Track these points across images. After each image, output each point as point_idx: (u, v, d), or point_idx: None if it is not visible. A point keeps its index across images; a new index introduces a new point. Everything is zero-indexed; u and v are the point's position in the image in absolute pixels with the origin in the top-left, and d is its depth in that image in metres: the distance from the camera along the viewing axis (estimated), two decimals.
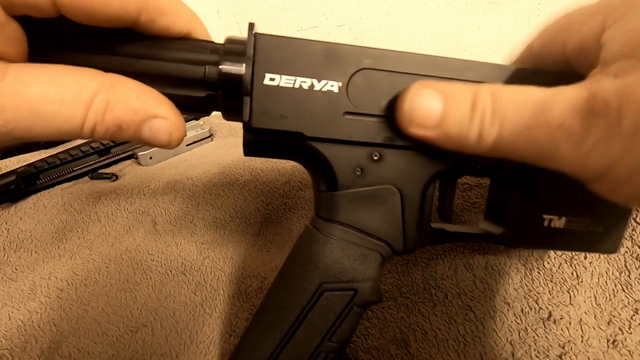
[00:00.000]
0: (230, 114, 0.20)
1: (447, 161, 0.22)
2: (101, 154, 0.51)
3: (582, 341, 0.26)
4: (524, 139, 0.16)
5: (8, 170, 0.46)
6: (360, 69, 0.20)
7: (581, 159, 0.16)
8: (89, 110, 0.15)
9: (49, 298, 0.33)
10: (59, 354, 0.29)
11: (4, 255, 0.38)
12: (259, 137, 0.21)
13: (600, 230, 0.23)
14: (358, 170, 0.21)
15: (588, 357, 0.26)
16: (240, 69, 0.19)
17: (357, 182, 0.22)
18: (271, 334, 0.22)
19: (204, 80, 0.18)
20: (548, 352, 0.26)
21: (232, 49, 0.19)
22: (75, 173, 0.48)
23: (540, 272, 0.29)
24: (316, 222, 0.23)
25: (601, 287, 0.28)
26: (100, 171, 0.49)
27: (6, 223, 0.41)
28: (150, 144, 0.18)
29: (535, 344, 0.27)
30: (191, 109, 0.20)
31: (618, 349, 0.26)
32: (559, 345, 0.27)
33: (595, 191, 0.17)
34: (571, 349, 0.26)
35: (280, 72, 0.19)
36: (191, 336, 0.30)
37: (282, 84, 0.19)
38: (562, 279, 0.29)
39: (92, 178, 0.48)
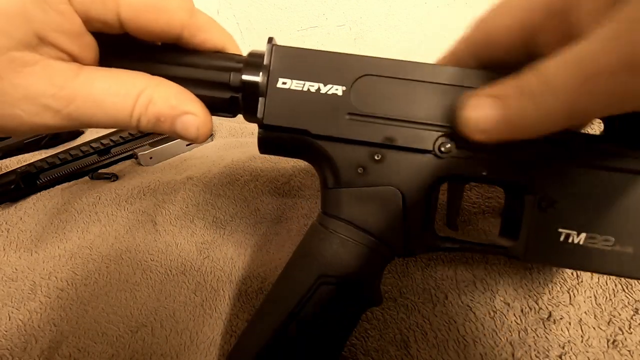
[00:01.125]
0: (249, 114, 0.23)
1: (449, 167, 0.22)
2: (101, 154, 0.51)
3: (582, 341, 0.26)
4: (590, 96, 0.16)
5: (8, 170, 0.46)
6: (362, 75, 0.22)
7: None
8: (136, 103, 0.19)
9: (49, 298, 0.33)
10: (59, 354, 0.29)
11: (4, 255, 0.38)
12: (271, 134, 0.23)
13: (629, 251, 0.22)
14: (360, 169, 0.23)
15: (588, 357, 0.26)
16: (257, 76, 0.22)
17: (360, 180, 0.23)
18: (268, 324, 0.23)
19: (229, 84, 0.22)
20: (548, 352, 0.26)
21: (253, 60, 0.22)
22: (75, 173, 0.48)
23: (540, 272, 0.29)
24: (321, 218, 0.24)
25: (601, 287, 0.28)
26: (100, 171, 0.49)
27: (6, 223, 0.41)
28: (182, 137, 0.21)
29: (535, 344, 0.27)
30: (218, 109, 0.23)
31: (618, 349, 0.26)
32: (559, 345, 0.27)
33: None
34: (571, 349, 0.26)
35: (292, 77, 0.22)
36: (191, 336, 0.30)
37: (292, 87, 0.22)
38: (562, 279, 0.29)
39: (92, 178, 0.48)
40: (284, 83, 0.22)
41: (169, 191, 0.42)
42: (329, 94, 0.22)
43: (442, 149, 0.22)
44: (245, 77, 0.22)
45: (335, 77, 0.22)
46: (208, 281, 0.33)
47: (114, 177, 0.47)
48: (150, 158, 0.51)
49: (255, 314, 0.24)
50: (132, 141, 0.54)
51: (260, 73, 0.22)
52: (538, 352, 0.26)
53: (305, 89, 0.22)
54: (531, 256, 0.23)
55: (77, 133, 0.62)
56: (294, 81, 0.22)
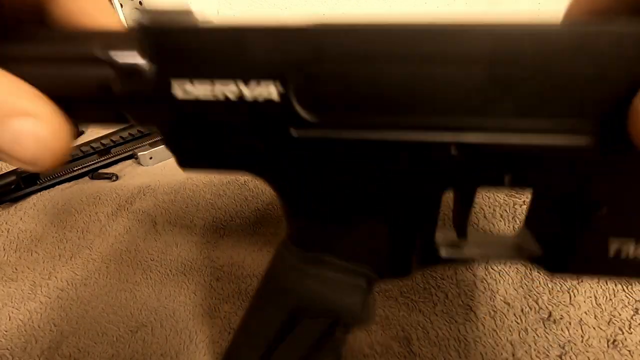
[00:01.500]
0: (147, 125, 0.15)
1: (459, 173, 0.15)
2: (101, 154, 0.51)
3: (582, 341, 0.26)
4: None
5: (8, 170, 0.46)
6: (312, 59, 0.13)
7: None
8: None
9: (49, 298, 0.33)
10: (59, 354, 0.29)
11: (4, 255, 0.38)
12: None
13: None
14: (328, 197, 0.17)
15: (588, 357, 0.26)
16: (138, 63, 0.13)
17: (330, 206, 0.17)
18: (253, 350, 0.21)
19: (103, 89, 0.14)
20: (548, 352, 0.26)
21: (127, 42, 0.13)
22: (75, 173, 0.48)
23: (540, 272, 0.29)
24: (289, 247, 0.19)
25: (601, 287, 0.28)
26: (100, 171, 0.49)
27: (6, 223, 0.41)
28: (8, 157, 0.12)
29: (535, 344, 0.27)
30: (94, 120, 0.16)
31: (618, 349, 0.26)
32: (559, 345, 0.27)
33: None
34: (571, 349, 0.26)
35: (190, 76, 0.13)
36: (191, 336, 0.30)
37: (200, 96, 0.13)
38: (562, 278, 0.29)
39: (92, 178, 0.48)
40: (184, 91, 0.13)
41: (169, 191, 0.42)
42: (257, 102, 0.13)
43: (453, 152, 0.14)
44: (120, 73, 0.13)
45: (263, 68, 0.13)
46: (208, 281, 0.33)
47: (114, 177, 0.47)
48: (150, 158, 0.51)
49: (239, 335, 0.22)
50: (132, 141, 0.54)
51: (144, 67, 0.13)
52: (538, 351, 0.26)
53: (214, 95, 0.13)
54: (565, 268, 0.18)
55: (77, 133, 0.62)
56: (193, 83, 0.13)
